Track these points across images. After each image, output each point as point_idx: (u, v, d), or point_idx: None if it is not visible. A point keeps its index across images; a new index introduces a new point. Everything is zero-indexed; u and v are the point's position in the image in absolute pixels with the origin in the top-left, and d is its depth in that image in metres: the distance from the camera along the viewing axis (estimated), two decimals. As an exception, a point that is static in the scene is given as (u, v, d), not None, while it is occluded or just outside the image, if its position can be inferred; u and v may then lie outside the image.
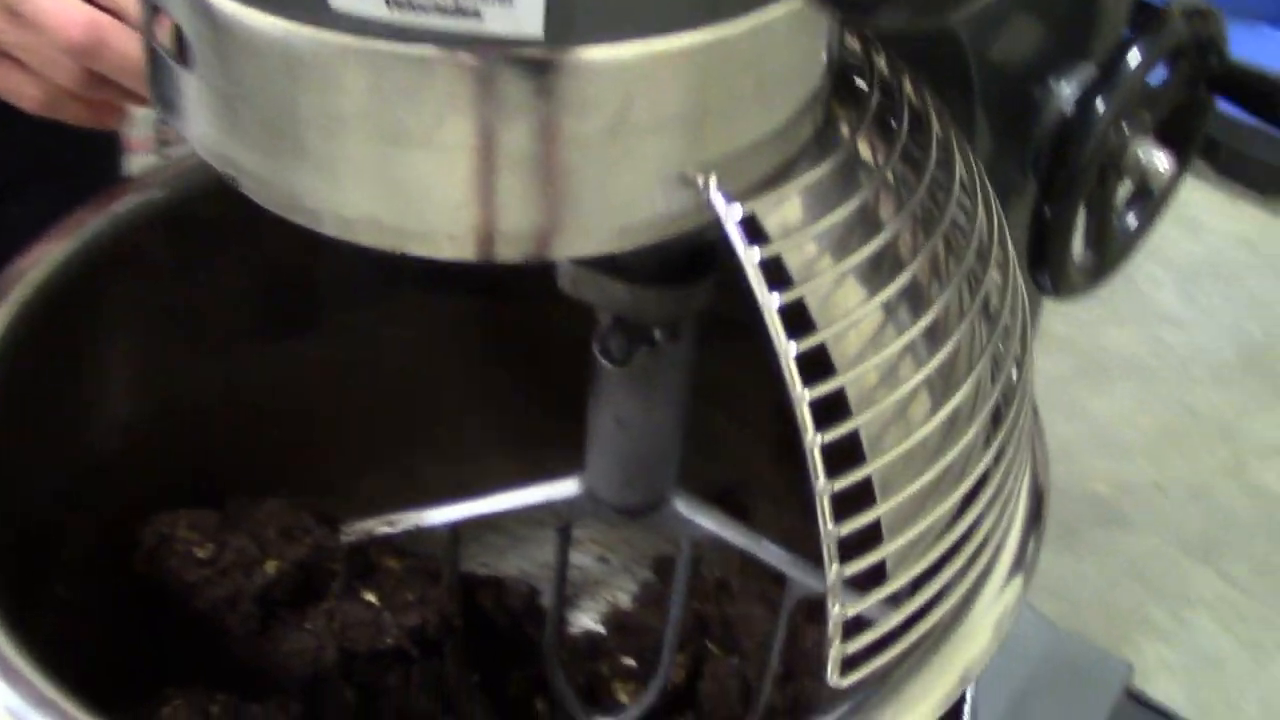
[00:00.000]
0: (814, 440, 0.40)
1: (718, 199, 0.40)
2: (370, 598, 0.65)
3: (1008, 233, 0.51)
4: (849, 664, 0.44)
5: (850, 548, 0.45)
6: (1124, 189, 0.63)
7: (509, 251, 0.40)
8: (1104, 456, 1.50)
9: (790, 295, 0.41)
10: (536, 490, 0.60)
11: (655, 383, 0.54)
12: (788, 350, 0.40)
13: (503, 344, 0.76)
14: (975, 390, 0.47)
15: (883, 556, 0.44)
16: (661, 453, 0.56)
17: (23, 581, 0.58)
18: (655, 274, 0.50)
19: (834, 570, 0.42)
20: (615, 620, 0.77)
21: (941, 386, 0.45)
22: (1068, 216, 0.61)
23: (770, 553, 0.60)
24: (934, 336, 0.46)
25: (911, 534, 0.44)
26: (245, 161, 0.40)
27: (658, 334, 0.52)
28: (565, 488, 0.60)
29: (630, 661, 0.72)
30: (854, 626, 0.45)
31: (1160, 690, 1.19)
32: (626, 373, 0.53)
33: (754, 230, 0.41)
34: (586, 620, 0.80)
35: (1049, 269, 0.63)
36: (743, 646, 0.67)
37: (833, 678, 0.45)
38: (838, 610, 0.43)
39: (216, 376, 0.69)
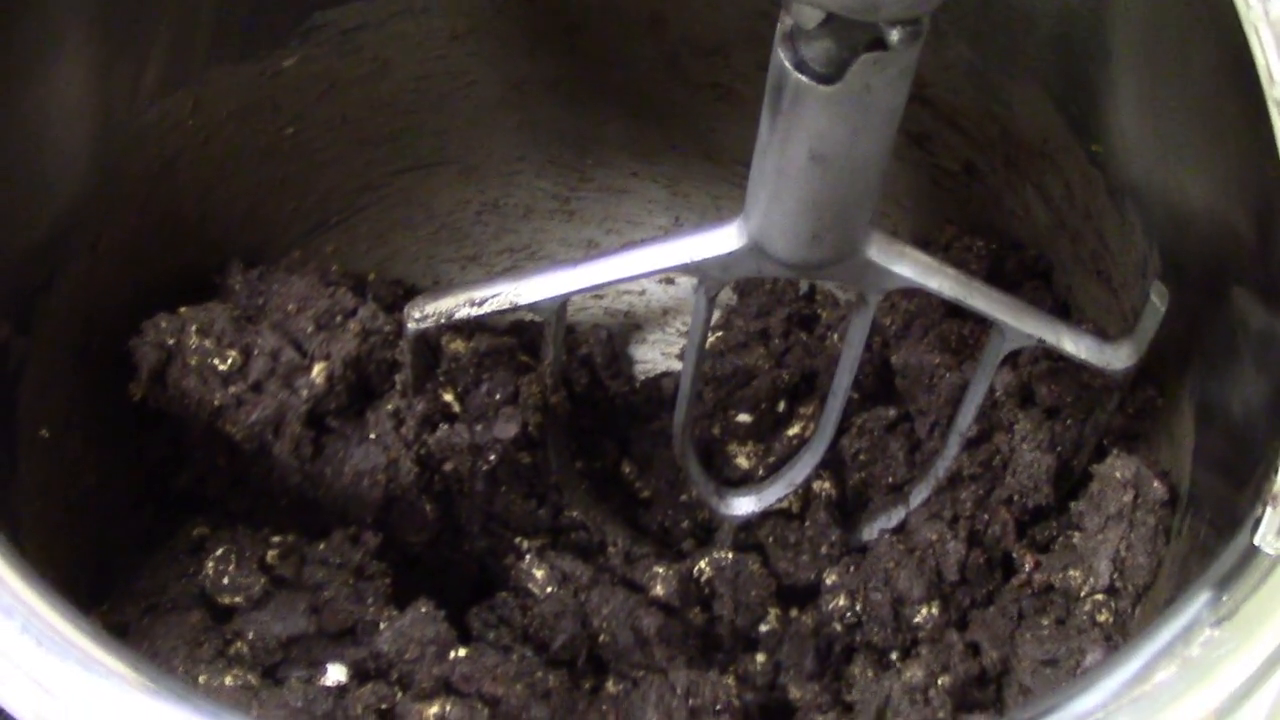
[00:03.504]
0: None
1: None
2: (447, 396, 0.50)
3: None
4: None
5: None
6: None
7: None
8: None
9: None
10: (681, 246, 0.45)
11: (874, 103, 0.38)
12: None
13: (537, 38, 0.59)
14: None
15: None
16: (865, 193, 0.42)
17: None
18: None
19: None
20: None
21: None
22: None
23: (983, 297, 0.46)
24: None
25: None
26: None
27: (895, 35, 0.36)
28: (720, 240, 0.45)
29: (744, 417, 0.59)
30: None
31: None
32: (836, 92, 0.38)
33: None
34: (656, 356, 0.66)
35: None
36: (911, 399, 0.55)
37: (1270, 540, 0.33)
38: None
39: (183, 111, 0.52)
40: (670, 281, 0.67)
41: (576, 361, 0.61)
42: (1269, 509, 0.34)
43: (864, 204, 0.42)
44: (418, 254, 0.64)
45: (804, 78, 0.38)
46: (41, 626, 0.31)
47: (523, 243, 0.65)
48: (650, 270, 0.46)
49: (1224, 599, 0.35)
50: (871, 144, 0.40)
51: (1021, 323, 0.47)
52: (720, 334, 0.62)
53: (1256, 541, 0.34)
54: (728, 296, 0.65)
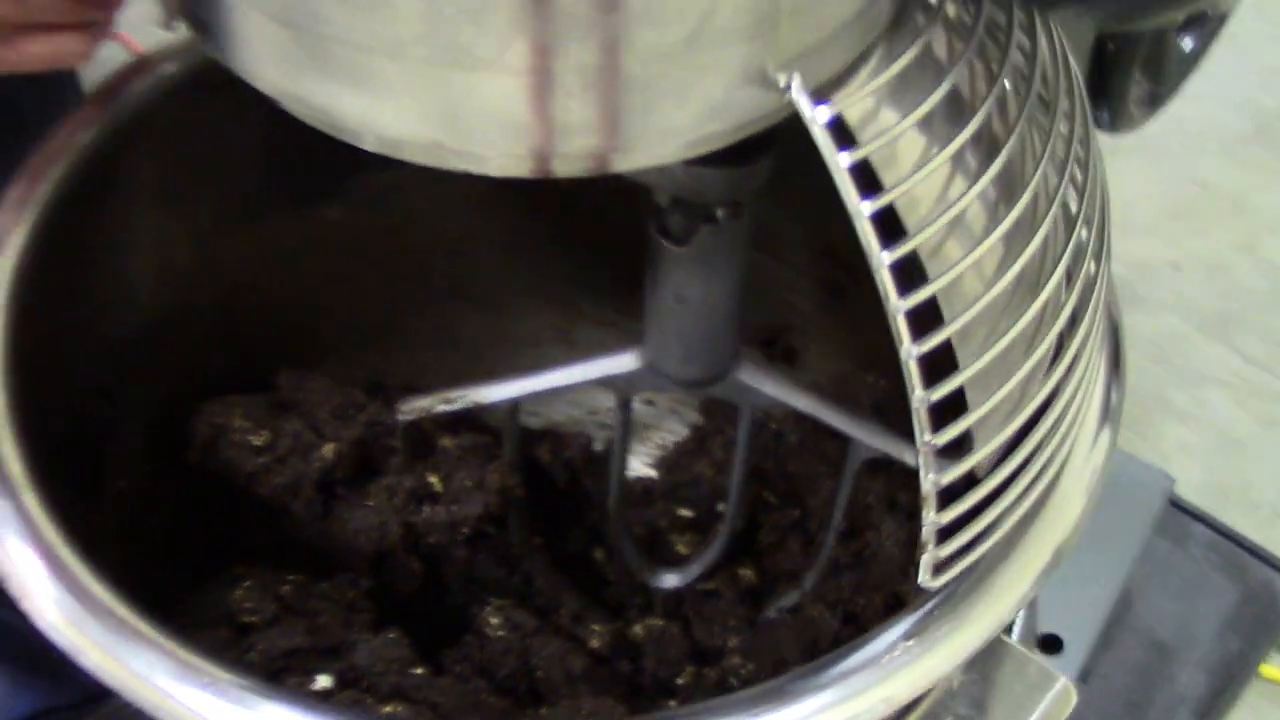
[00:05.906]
0: (899, 305, 0.39)
1: (802, 101, 0.38)
2: (432, 479, 0.64)
3: (1077, 77, 0.49)
4: (941, 566, 0.45)
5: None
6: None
7: (567, 168, 0.38)
8: (1117, 237, 1.47)
9: (859, 154, 0.39)
10: (596, 365, 0.59)
11: (716, 260, 0.52)
12: (861, 211, 0.39)
13: (538, 199, 0.74)
14: (1044, 244, 0.45)
15: (971, 424, 0.43)
16: (722, 326, 0.55)
17: (80, 476, 0.58)
18: (717, 154, 0.48)
19: (926, 439, 0.42)
20: (666, 464, 0.77)
21: (1016, 239, 0.44)
22: (1130, 48, 0.59)
23: (834, 416, 0.59)
24: (1005, 187, 0.45)
25: (998, 397, 0.44)
26: (293, 87, 0.38)
27: (720, 212, 0.50)
28: (624, 361, 0.59)
29: (686, 512, 0.73)
30: (945, 533, 0.45)
31: (1179, 471, 1.20)
32: (687, 252, 0.52)
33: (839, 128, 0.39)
34: (636, 464, 0.80)
35: (1109, 103, 0.61)
36: (804, 502, 0.68)
37: (925, 579, 0.45)
38: (932, 511, 0.43)
39: (248, 250, 0.68)
40: (650, 403, 0.81)
41: (560, 463, 0.75)
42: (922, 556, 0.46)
43: (724, 334, 0.56)
44: (440, 370, 0.78)
45: (664, 241, 0.52)
46: (115, 622, 0.46)
47: (528, 364, 0.80)
48: (574, 383, 0.60)
49: (919, 620, 0.46)
50: (721, 290, 0.53)
51: (870, 438, 0.60)
52: (680, 444, 0.76)
53: (920, 582, 0.46)
54: (695, 418, 0.78)
